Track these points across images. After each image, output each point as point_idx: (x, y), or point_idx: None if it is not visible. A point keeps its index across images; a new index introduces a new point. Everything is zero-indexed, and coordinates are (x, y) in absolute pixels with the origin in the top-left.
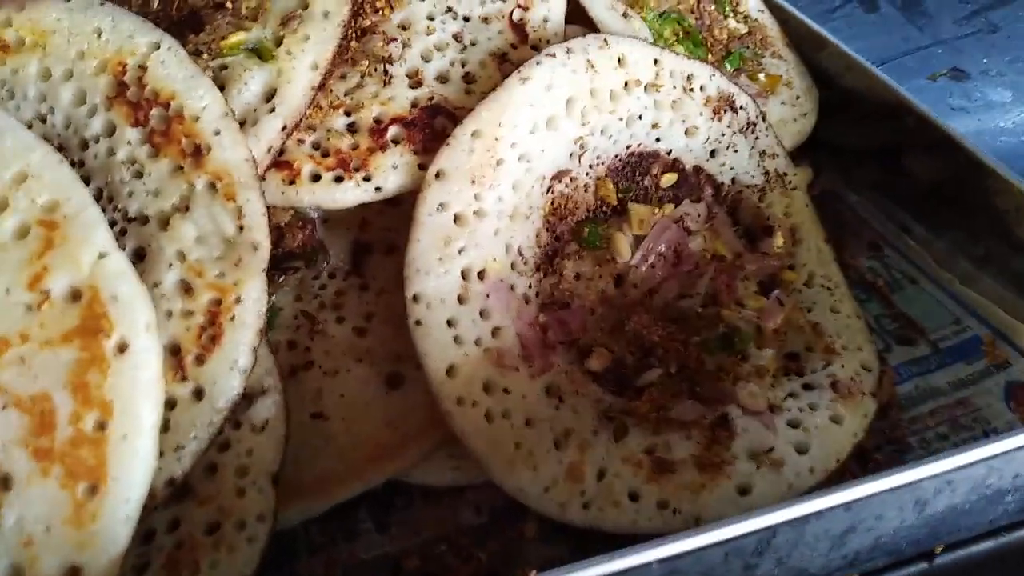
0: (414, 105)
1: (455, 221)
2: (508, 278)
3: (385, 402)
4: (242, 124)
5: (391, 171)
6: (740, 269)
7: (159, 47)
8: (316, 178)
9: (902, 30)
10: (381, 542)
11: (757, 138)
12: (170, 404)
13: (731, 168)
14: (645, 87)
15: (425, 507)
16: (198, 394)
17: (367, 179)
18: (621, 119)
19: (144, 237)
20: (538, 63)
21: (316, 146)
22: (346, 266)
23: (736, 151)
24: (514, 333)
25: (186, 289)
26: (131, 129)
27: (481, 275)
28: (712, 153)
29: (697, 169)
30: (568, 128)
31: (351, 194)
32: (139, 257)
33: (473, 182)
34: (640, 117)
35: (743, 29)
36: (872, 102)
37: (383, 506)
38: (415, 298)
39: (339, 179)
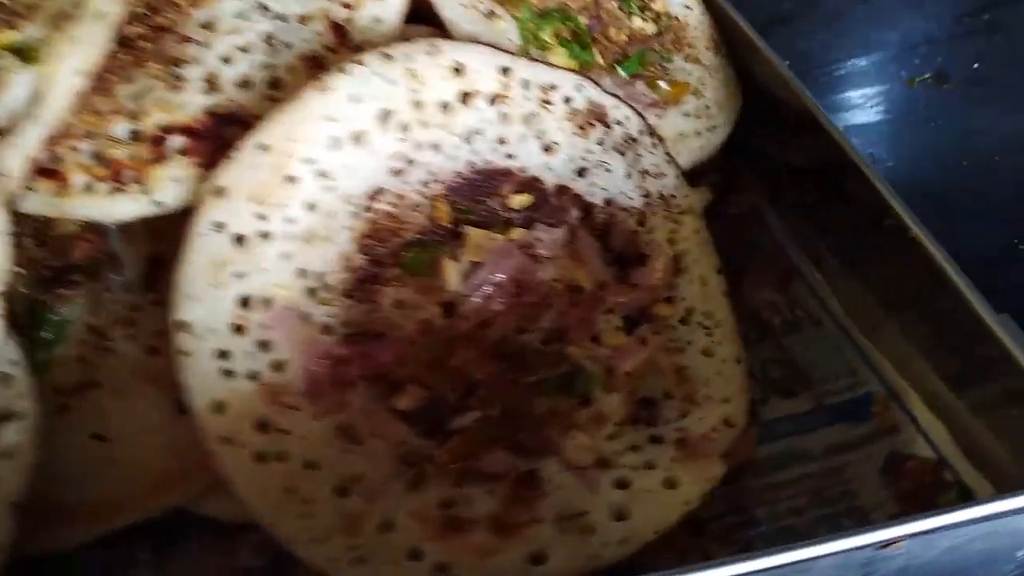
0: (209, 114)
1: (235, 243)
2: (301, 306)
3: (173, 428)
4: (8, 131)
5: (171, 184)
6: (601, 302)
7: None
8: (90, 188)
9: (893, 21)
10: (151, 575)
11: (639, 156)
12: None
13: (603, 188)
14: (491, 99)
15: (207, 542)
16: None
17: (146, 192)
18: (456, 134)
19: None
20: (343, 71)
21: (95, 155)
22: (143, 280)
23: (609, 170)
24: (299, 367)
25: None
26: None
27: (267, 303)
28: (580, 172)
29: (561, 189)
30: (383, 144)
31: (127, 207)
32: None
33: (257, 201)
34: (481, 132)
35: (651, 29)
36: (795, 115)
37: (165, 536)
38: (181, 326)
39: (116, 191)
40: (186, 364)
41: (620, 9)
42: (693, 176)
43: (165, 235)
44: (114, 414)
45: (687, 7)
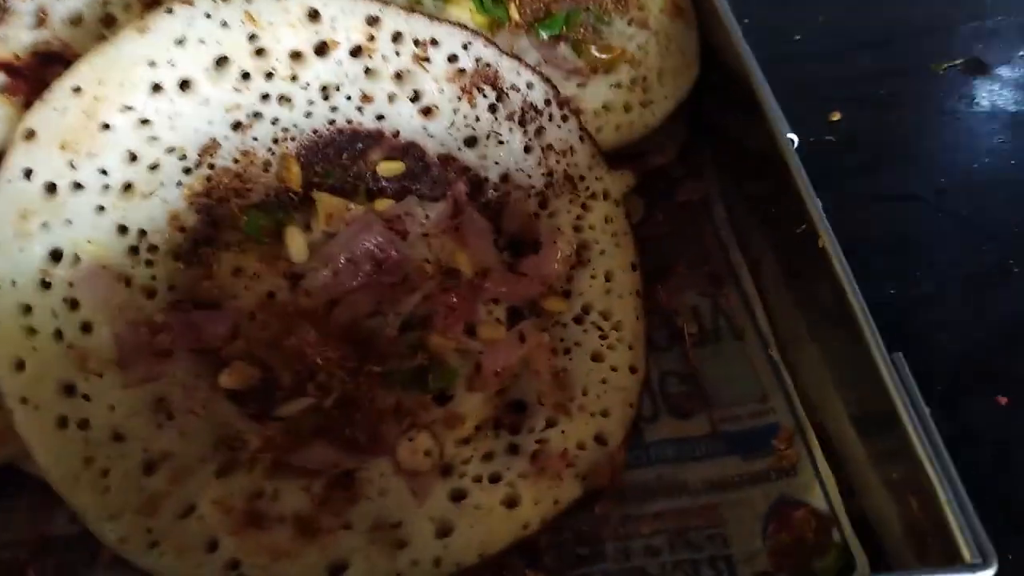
0: (33, 52)
1: (45, 191)
2: (118, 266)
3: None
4: None
5: None
6: (479, 290)
7: None
8: None
9: None
10: None
11: (541, 129)
12: None
13: (496, 163)
14: (353, 51)
15: (25, 502)
16: None
17: None
18: (308, 87)
19: None
20: (169, 11)
21: None
22: None
23: (503, 142)
24: (110, 332)
25: None
26: None
27: (77, 259)
28: (469, 142)
29: (446, 159)
30: (216, 93)
31: None
32: None
33: (64, 147)
34: (339, 88)
35: None
36: (750, 99)
37: None
38: None
39: None
40: None
41: None
42: (632, 158)
43: None
44: None
45: None
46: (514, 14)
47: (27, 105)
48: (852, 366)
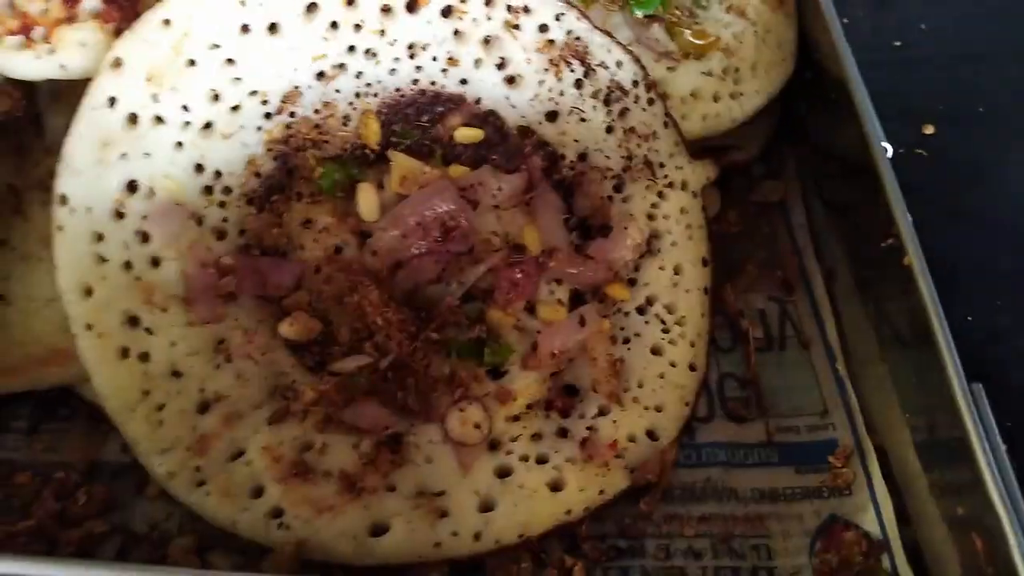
0: None
1: (126, 122)
2: (191, 204)
3: None
4: None
5: (78, 48)
6: (544, 269)
7: None
8: (1, 41)
9: None
10: (19, 445)
11: (626, 110)
12: None
13: (576, 140)
14: (444, 11)
15: (81, 426)
16: None
17: (52, 52)
18: (398, 45)
19: None
20: None
21: (10, 5)
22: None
23: (585, 120)
24: (179, 268)
25: None
26: None
27: (152, 193)
28: (550, 116)
29: (525, 131)
30: (303, 40)
31: (31, 66)
32: None
33: (150, 80)
34: (427, 47)
35: None
36: (841, 95)
37: (46, 410)
38: (62, 199)
39: (24, 47)
40: (59, 239)
41: None
42: (713, 151)
43: None
44: (17, 278)
45: None
46: None
47: (118, 33)
48: (925, 391)
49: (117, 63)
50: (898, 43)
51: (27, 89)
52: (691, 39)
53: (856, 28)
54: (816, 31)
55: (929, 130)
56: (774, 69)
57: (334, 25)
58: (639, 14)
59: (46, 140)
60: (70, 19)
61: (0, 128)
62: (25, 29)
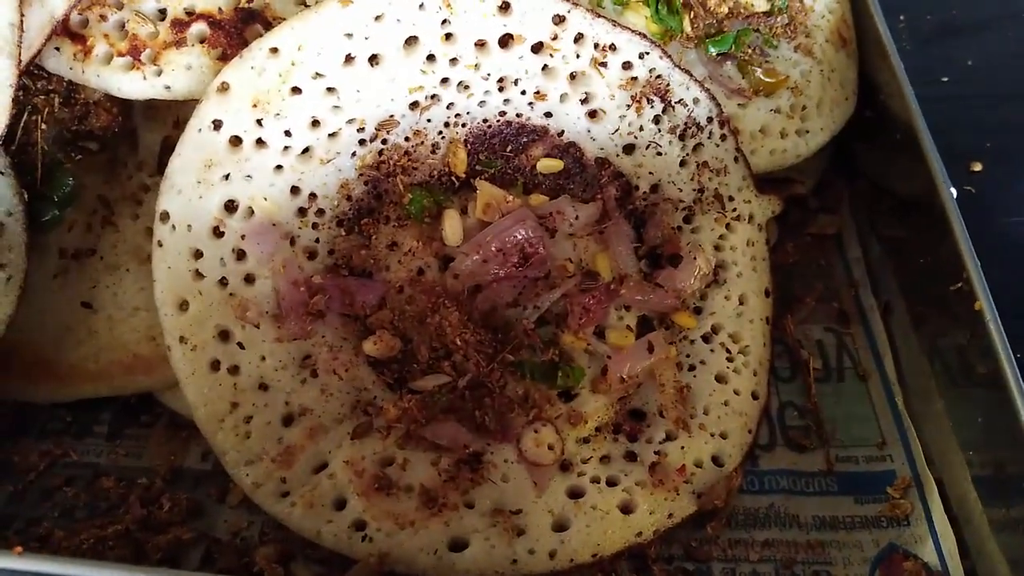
0: (236, 6)
1: (229, 144)
2: (286, 224)
3: (156, 313)
4: None
5: (184, 71)
6: (615, 296)
7: None
8: (109, 60)
9: None
10: (103, 450)
11: (700, 145)
12: None
13: (651, 173)
14: (536, 47)
15: (162, 433)
16: None
17: (159, 74)
18: (488, 78)
19: None
20: None
21: (120, 27)
22: (155, 161)
23: (661, 153)
24: (271, 286)
25: None
26: None
27: (250, 213)
28: (628, 149)
29: (602, 163)
30: (402, 72)
31: (137, 86)
32: None
33: (255, 105)
34: (517, 83)
35: (762, 6)
36: (902, 135)
37: (127, 416)
38: (163, 216)
39: (132, 68)
40: (159, 254)
41: None
42: (774, 184)
43: (182, 122)
44: (104, 287)
45: None
46: (687, 27)
47: (223, 59)
48: (988, 428)
49: (224, 87)
50: (945, 79)
51: (123, 106)
52: (762, 77)
53: (903, 63)
54: (878, 71)
55: (977, 167)
56: (838, 107)
57: (431, 58)
58: (713, 52)
59: (139, 155)
60: (178, 43)
61: (95, 142)
62: (134, 51)
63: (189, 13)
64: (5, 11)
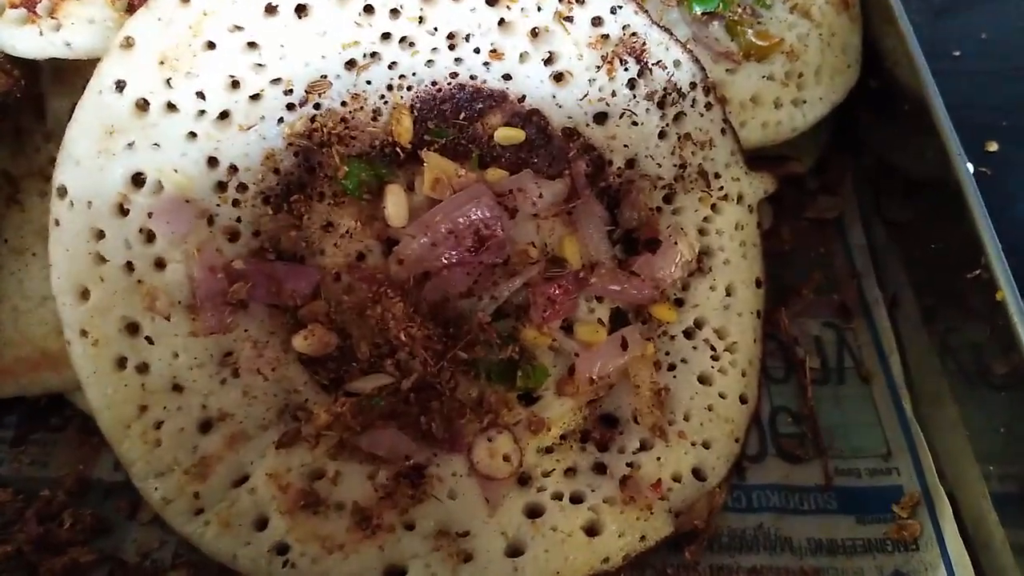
0: None
1: (135, 108)
2: (201, 201)
3: None
4: None
5: (86, 25)
6: (585, 285)
7: None
8: (1, 12)
9: None
10: (3, 457)
11: (681, 114)
12: None
13: (625, 145)
14: None
15: (73, 438)
16: None
17: (57, 29)
18: (435, 32)
19: None
20: None
21: None
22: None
23: (636, 123)
24: (186, 272)
25: None
26: None
27: (159, 187)
28: (599, 118)
29: (570, 133)
30: (334, 24)
31: (33, 43)
32: None
33: (163, 63)
34: (469, 39)
35: None
36: (912, 108)
37: (35, 419)
38: (60, 191)
39: (27, 21)
40: (55, 235)
41: None
42: (769, 161)
43: None
44: (10, 274)
45: None
46: None
47: (130, 11)
48: (1010, 436)
49: (128, 43)
50: (957, 53)
51: (28, 68)
52: (753, 39)
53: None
54: (885, 38)
55: (992, 147)
56: (839, 76)
57: (369, 9)
58: (698, 10)
59: (47, 125)
60: None
61: None
62: (29, 2)
63: None
64: None
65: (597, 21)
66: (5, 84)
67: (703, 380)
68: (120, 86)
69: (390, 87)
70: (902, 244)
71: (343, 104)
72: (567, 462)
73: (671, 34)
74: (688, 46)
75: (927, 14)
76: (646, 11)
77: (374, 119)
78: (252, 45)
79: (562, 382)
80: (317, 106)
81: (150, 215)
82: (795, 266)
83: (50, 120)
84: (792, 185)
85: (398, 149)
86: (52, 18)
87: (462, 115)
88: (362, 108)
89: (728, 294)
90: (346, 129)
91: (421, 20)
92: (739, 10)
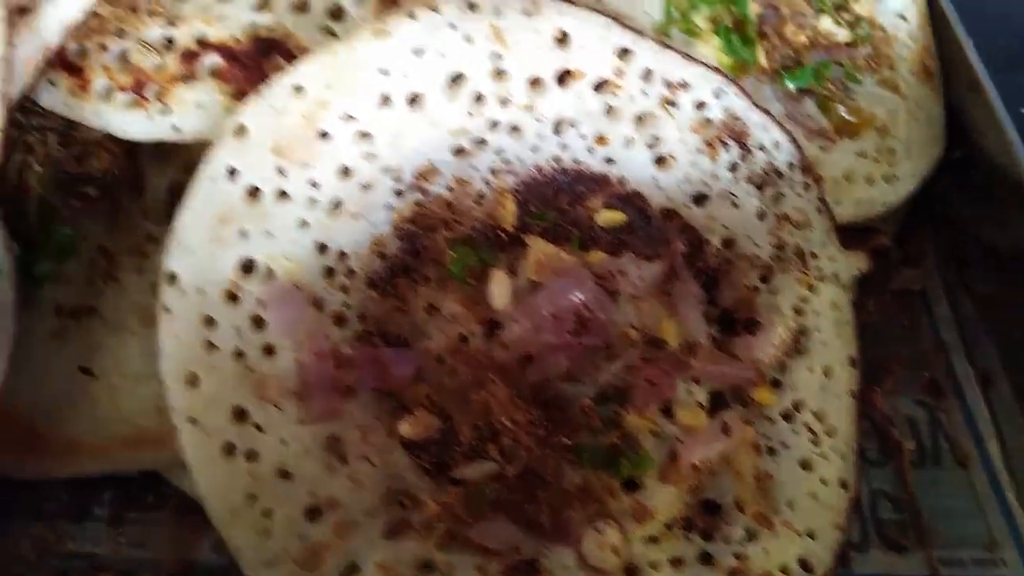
0: (252, 36)
1: (247, 196)
2: (312, 287)
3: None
4: (29, 10)
5: (194, 109)
6: (684, 367)
7: None
8: (109, 96)
9: None
10: (100, 537)
11: (781, 195)
12: None
13: (725, 227)
14: (597, 85)
15: (170, 518)
16: None
17: (165, 113)
18: (544, 121)
19: None
20: (411, 16)
21: (121, 58)
22: (162, 209)
23: (736, 206)
24: (294, 358)
25: None
26: None
27: (270, 275)
28: (698, 199)
29: (669, 214)
30: (446, 114)
31: (141, 126)
32: None
33: (277, 152)
34: (576, 124)
35: (843, 36)
36: (1005, 181)
37: (131, 497)
38: (170, 278)
39: (135, 105)
40: (166, 322)
41: (808, 2)
42: (854, 235)
43: (192, 166)
44: (107, 351)
45: (902, 17)
46: (762, 59)
47: (238, 96)
48: None
49: (241, 131)
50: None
51: (127, 146)
52: (846, 115)
53: None
54: (966, 104)
55: None
56: (927, 149)
57: (479, 99)
58: (791, 87)
59: (145, 202)
60: (187, 77)
61: (96, 187)
62: (137, 86)
63: (200, 43)
64: None
65: (700, 105)
66: (107, 163)
67: (804, 466)
68: (233, 174)
69: (494, 172)
70: (991, 317)
71: (449, 189)
72: (673, 552)
73: (771, 115)
74: (786, 126)
75: (993, 67)
76: (747, 94)
77: (477, 203)
78: (364, 135)
79: (666, 469)
80: (424, 192)
81: (260, 302)
82: (881, 341)
83: (147, 197)
84: (875, 257)
85: (500, 232)
86: (160, 101)
87: (564, 198)
88: (466, 192)
89: (826, 375)
90: (451, 213)
91: (530, 108)
92: (831, 87)
